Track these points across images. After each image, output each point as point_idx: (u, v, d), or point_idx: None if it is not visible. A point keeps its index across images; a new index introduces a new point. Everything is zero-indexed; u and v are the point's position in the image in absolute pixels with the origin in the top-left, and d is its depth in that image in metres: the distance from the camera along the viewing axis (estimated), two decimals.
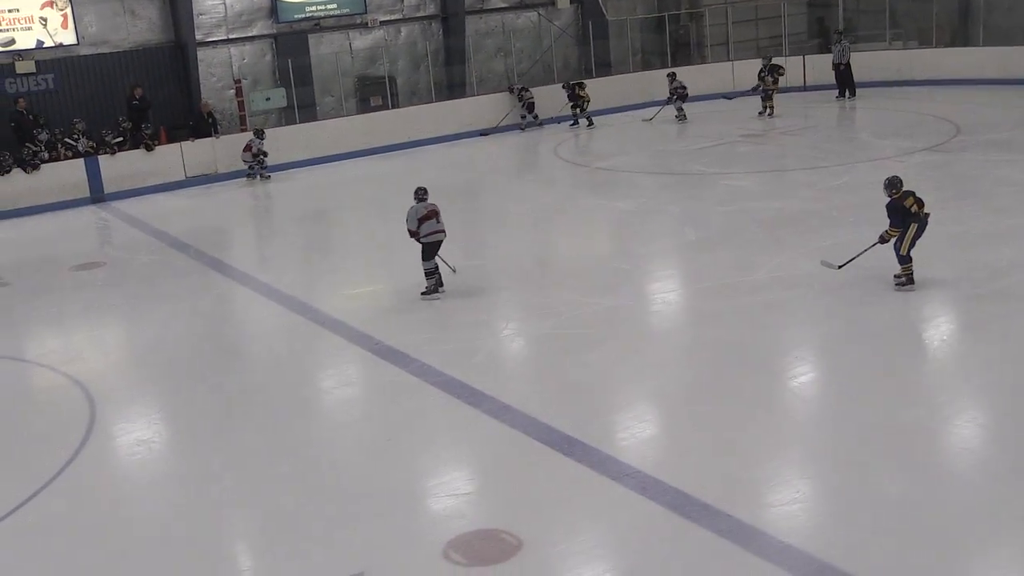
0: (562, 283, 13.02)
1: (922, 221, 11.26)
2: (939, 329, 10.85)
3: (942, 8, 26.43)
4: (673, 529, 7.15)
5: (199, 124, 21.79)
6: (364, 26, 25.39)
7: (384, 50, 25.60)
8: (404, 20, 26.10)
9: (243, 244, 17.87)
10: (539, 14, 27.88)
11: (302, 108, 23.68)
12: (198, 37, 23.02)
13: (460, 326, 11.68)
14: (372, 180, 21.17)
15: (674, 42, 28.51)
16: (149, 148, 21.05)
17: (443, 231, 12.38)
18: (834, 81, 24.77)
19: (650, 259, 14.06)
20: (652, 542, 7.04)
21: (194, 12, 22.78)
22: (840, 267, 11.77)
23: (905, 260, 11.35)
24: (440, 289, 12.54)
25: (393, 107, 24.82)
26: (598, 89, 25.43)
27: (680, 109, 24.06)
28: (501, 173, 21.66)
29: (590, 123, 24.66)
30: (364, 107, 25.05)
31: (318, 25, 24.73)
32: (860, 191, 16.03)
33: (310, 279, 14.37)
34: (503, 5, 27.41)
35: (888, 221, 11.25)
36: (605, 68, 27.60)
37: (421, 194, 12.45)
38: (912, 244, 11.26)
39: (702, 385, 9.67)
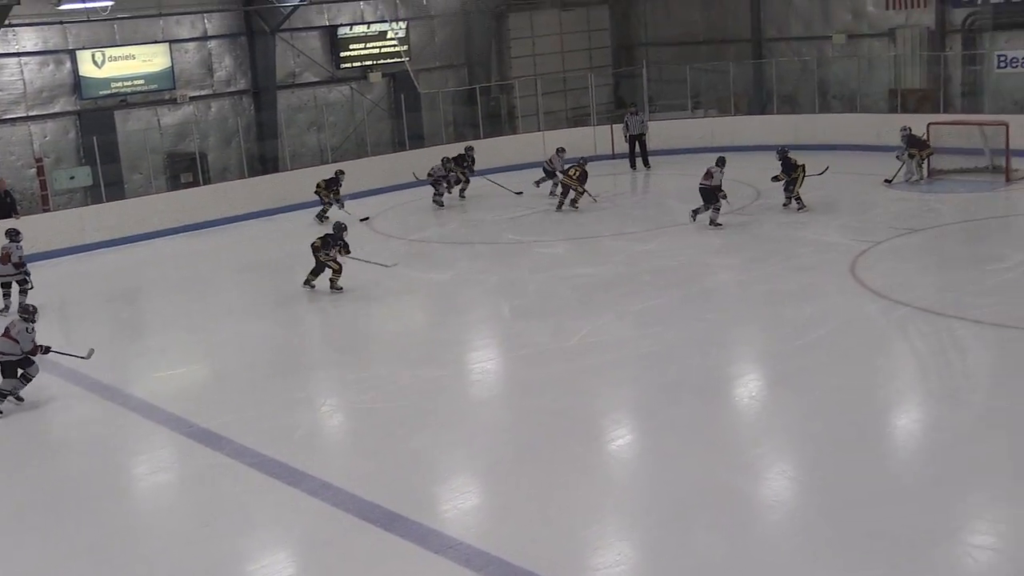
0: (379, 357, 12.96)
1: None
2: (748, 386, 11.25)
3: (738, 80, 27.83)
4: None
5: None
6: (173, 102, 24.95)
7: (194, 126, 25.19)
8: (214, 95, 25.77)
9: (47, 328, 17.12)
10: (351, 88, 27.98)
11: (109, 186, 22.96)
12: None
13: (277, 404, 11.46)
14: (184, 258, 20.66)
15: (486, 113, 28.94)
16: None
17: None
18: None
19: (467, 329, 14.16)
20: None
21: None
22: None
23: None
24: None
25: (205, 183, 24.36)
26: (415, 159, 25.53)
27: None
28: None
29: None
30: (175, 184, 24.52)
31: (124, 101, 24.17)
32: (670, 255, 16.56)
33: (120, 362, 13.84)
34: (315, 79, 27.40)
35: None
36: (418, 140, 27.81)
37: None
38: None
39: (523, 453, 9.74)
